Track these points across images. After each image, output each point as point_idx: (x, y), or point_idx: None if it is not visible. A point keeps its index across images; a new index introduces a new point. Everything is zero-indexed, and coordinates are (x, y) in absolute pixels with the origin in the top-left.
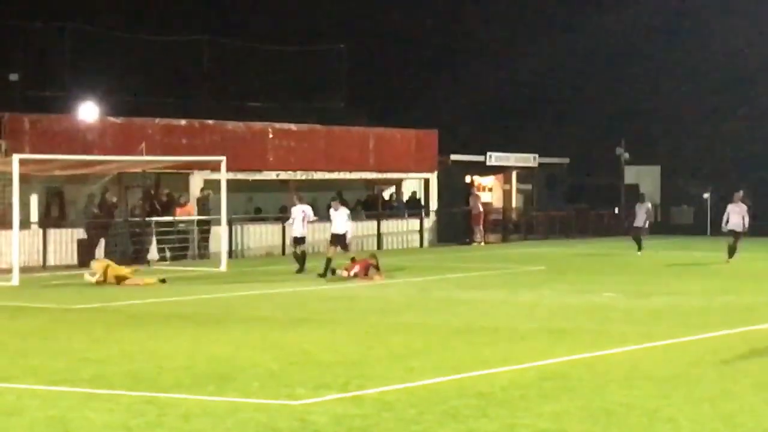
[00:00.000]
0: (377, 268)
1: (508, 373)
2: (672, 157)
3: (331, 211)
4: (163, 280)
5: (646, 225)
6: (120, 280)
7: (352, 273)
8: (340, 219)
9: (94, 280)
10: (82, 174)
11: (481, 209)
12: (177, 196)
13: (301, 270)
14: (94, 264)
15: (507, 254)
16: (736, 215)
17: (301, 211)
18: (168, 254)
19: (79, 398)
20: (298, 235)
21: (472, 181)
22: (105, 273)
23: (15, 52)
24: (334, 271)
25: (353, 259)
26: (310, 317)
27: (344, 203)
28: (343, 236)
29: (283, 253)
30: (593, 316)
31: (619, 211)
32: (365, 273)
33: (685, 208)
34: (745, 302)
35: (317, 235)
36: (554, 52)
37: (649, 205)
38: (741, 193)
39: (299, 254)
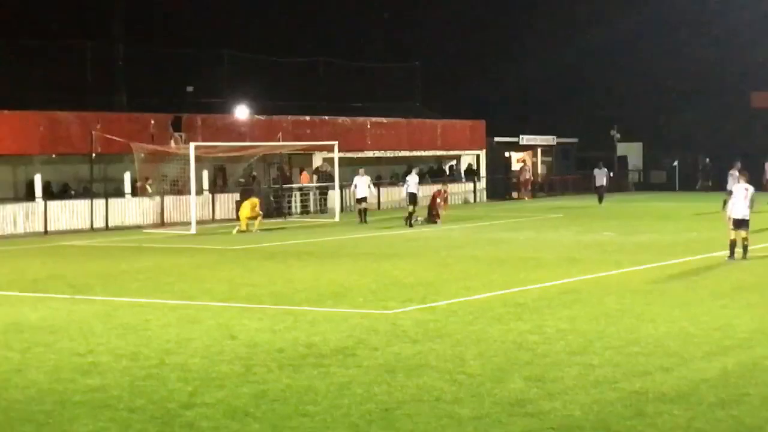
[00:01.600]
0: (445, 200)
1: (537, 290)
2: (652, 135)
3: (408, 177)
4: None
5: (606, 184)
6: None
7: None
8: (413, 182)
9: (235, 231)
10: (237, 155)
11: (528, 176)
12: (297, 170)
13: (363, 221)
14: (245, 206)
15: (536, 206)
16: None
17: (364, 182)
18: (298, 210)
19: (238, 311)
20: (360, 196)
21: (510, 156)
22: (246, 210)
23: (190, 72)
24: (411, 221)
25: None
26: (398, 252)
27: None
28: (414, 195)
29: (378, 207)
30: (597, 249)
31: (612, 174)
32: (433, 201)
33: (659, 172)
34: (704, 237)
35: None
36: (566, 56)
37: (606, 170)
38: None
39: (362, 210)
